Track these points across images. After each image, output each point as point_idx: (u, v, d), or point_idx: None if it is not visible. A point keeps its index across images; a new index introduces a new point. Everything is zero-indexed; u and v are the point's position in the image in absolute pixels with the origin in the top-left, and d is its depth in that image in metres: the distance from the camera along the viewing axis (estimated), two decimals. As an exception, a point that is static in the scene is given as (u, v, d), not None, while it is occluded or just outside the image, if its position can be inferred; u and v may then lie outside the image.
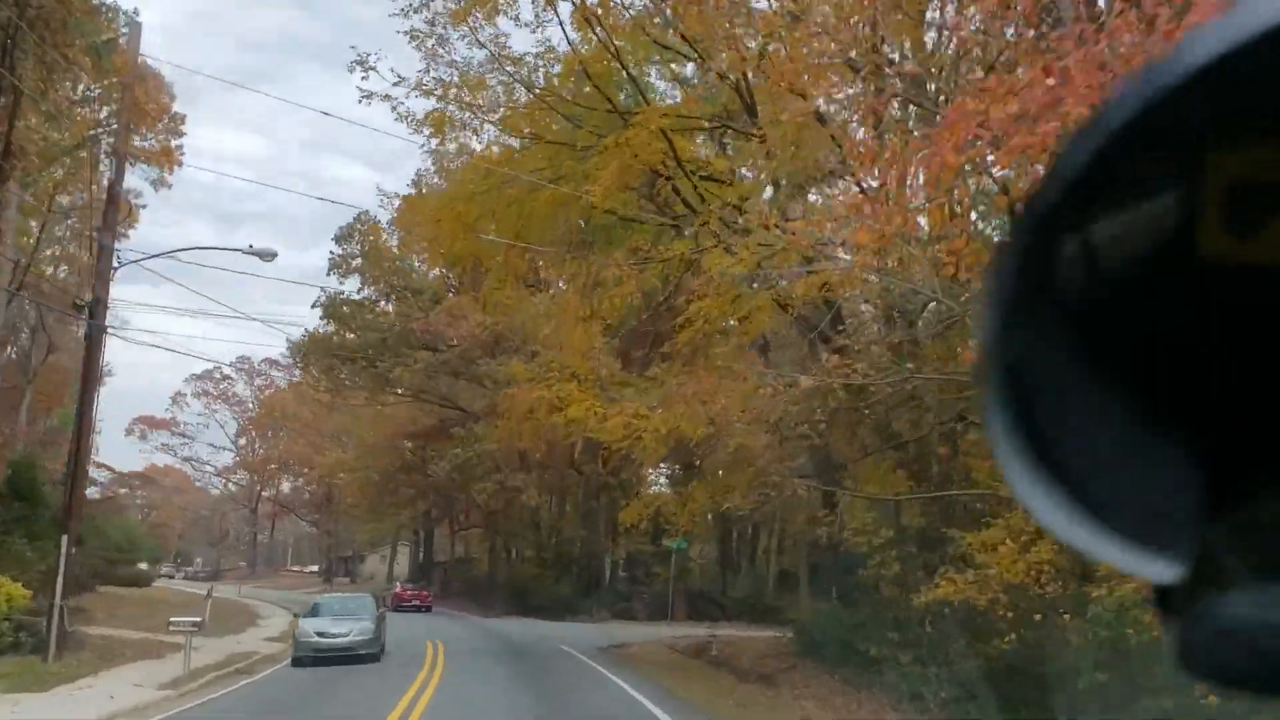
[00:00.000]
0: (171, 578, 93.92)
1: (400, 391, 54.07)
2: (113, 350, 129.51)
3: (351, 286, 48.10)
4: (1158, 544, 0.59)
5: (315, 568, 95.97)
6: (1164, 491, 0.58)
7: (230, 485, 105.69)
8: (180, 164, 49.37)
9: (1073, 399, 0.58)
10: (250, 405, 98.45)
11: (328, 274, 47.02)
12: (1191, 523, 0.56)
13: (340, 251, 47.11)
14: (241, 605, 48.18)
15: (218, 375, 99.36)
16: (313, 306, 47.01)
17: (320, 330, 48.28)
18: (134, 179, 40.84)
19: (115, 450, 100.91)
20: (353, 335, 49.45)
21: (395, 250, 47.82)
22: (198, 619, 21.99)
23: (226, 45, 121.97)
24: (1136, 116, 0.51)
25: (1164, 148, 0.52)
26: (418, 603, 49.63)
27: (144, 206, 52.18)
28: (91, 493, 46.30)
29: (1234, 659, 0.52)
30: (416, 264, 48.33)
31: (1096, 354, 0.56)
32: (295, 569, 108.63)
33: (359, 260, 47.14)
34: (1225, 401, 0.54)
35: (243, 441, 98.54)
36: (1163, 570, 0.58)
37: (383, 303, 49.30)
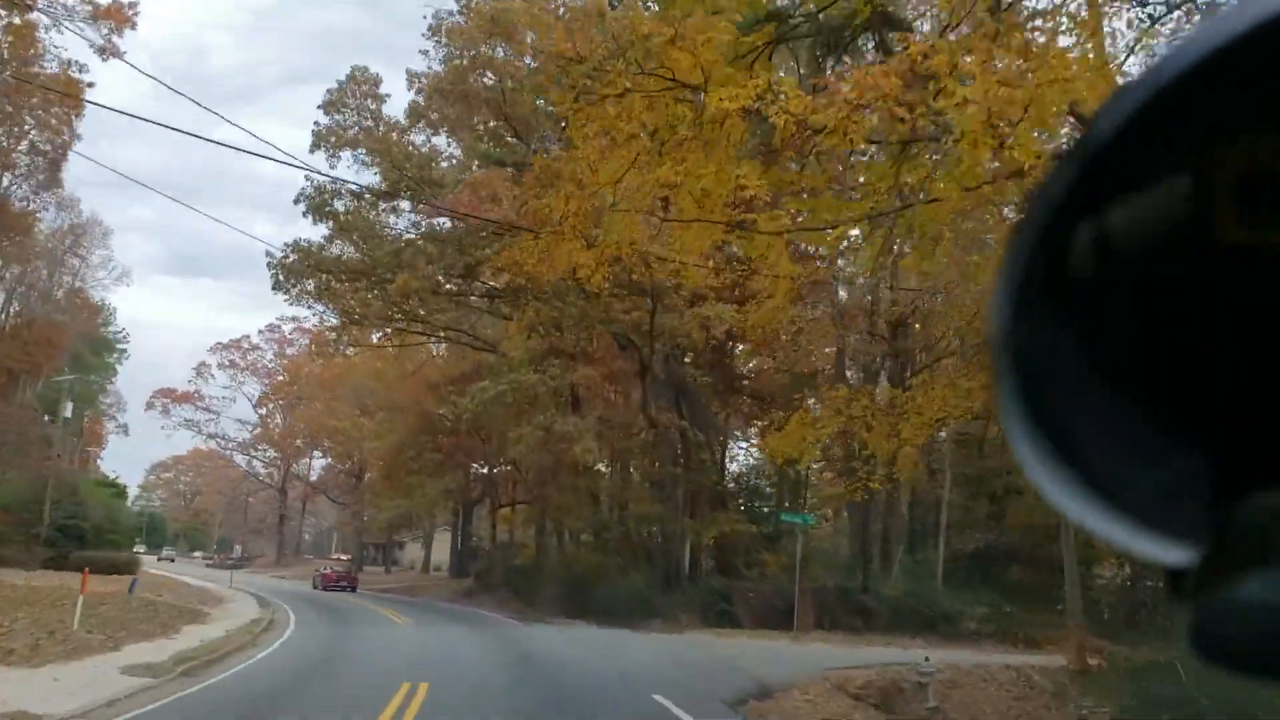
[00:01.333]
0: (173, 560, 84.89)
1: (421, 330, 41.87)
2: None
3: (346, 173, 35.78)
4: (1171, 528, 0.59)
5: (347, 556, 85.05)
6: (1177, 476, 0.57)
7: (255, 462, 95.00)
8: (133, 24, 37.68)
9: (1085, 384, 0.58)
10: (281, 375, 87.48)
11: (311, 151, 34.73)
12: (1204, 507, 0.56)
13: (329, 122, 34.72)
14: (214, 598, 36.22)
15: (245, 345, 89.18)
16: (296, 201, 34.67)
17: (306, 244, 36.08)
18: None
19: (141, 429, 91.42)
20: (353, 247, 37.30)
21: (404, 123, 35.42)
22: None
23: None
24: (1150, 102, 0.52)
25: (1178, 134, 0.53)
26: (345, 585, 48.36)
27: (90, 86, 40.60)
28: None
29: (1246, 642, 0.53)
30: (436, 144, 35.98)
31: (1108, 340, 0.56)
32: (337, 556, 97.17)
33: (355, 130, 34.70)
34: (1239, 387, 0.54)
35: (264, 412, 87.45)
36: (1175, 554, 0.58)
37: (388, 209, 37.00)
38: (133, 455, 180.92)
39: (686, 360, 37.39)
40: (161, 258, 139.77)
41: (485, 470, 47.44)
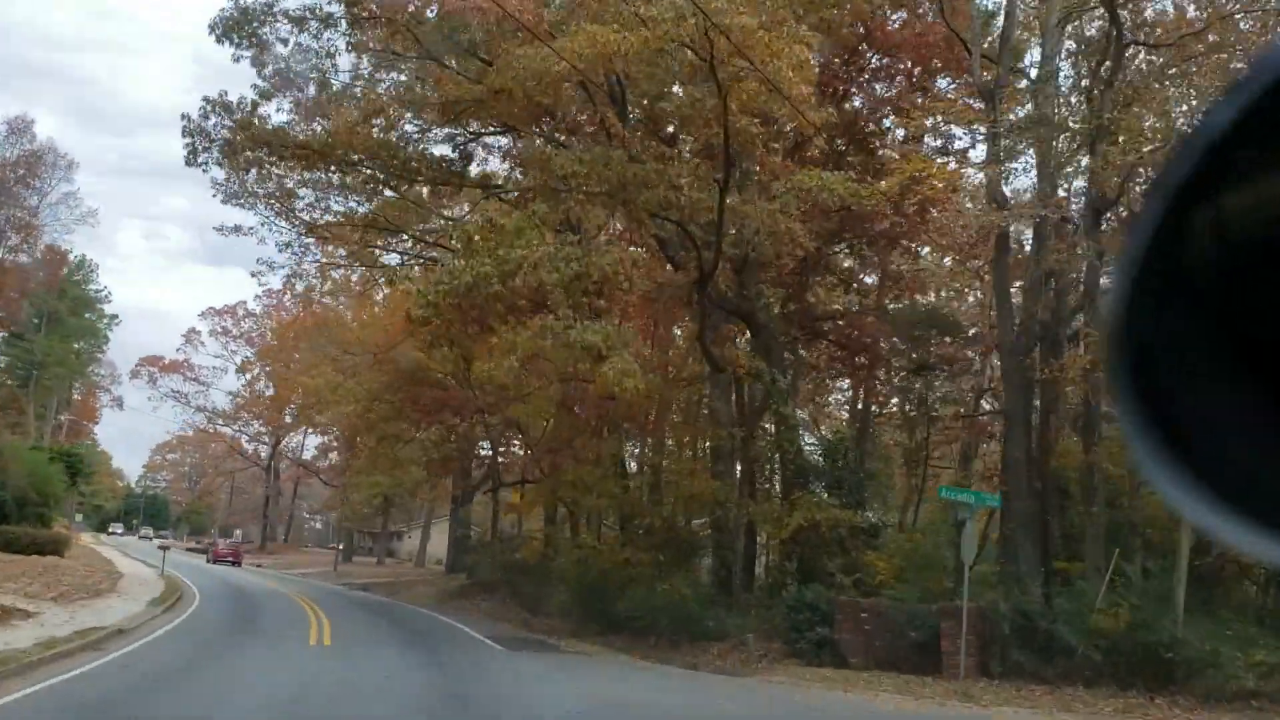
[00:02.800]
0: (150, 540, 76.11)
1: (398, 245, 31.35)
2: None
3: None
4: None
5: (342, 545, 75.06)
6: None
7: (243, 437, 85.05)
8: None
9: (1203, 380, 0.56)
10: (272, 339, 77.37)
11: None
12: None
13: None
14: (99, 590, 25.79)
15: (241, 312, 79.34)
16: (210, 31, 24.11)
17: (236, 102, 25.67)
18: None
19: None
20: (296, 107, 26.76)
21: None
22: None
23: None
24: (1265, 95, 0.50)
25: None
26: (231, 559, 55.78)
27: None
28: None
29: None
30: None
31: (1228, 334, 0.55)
32: (335, 545, 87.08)
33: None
34: None
35: (248, 377, 77.30)
36: None
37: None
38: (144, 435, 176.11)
39: (763, 281, 26.61)
40: (198, 249, 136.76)
41: (478, 432, 36.64)
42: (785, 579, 25.77)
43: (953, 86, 25.97)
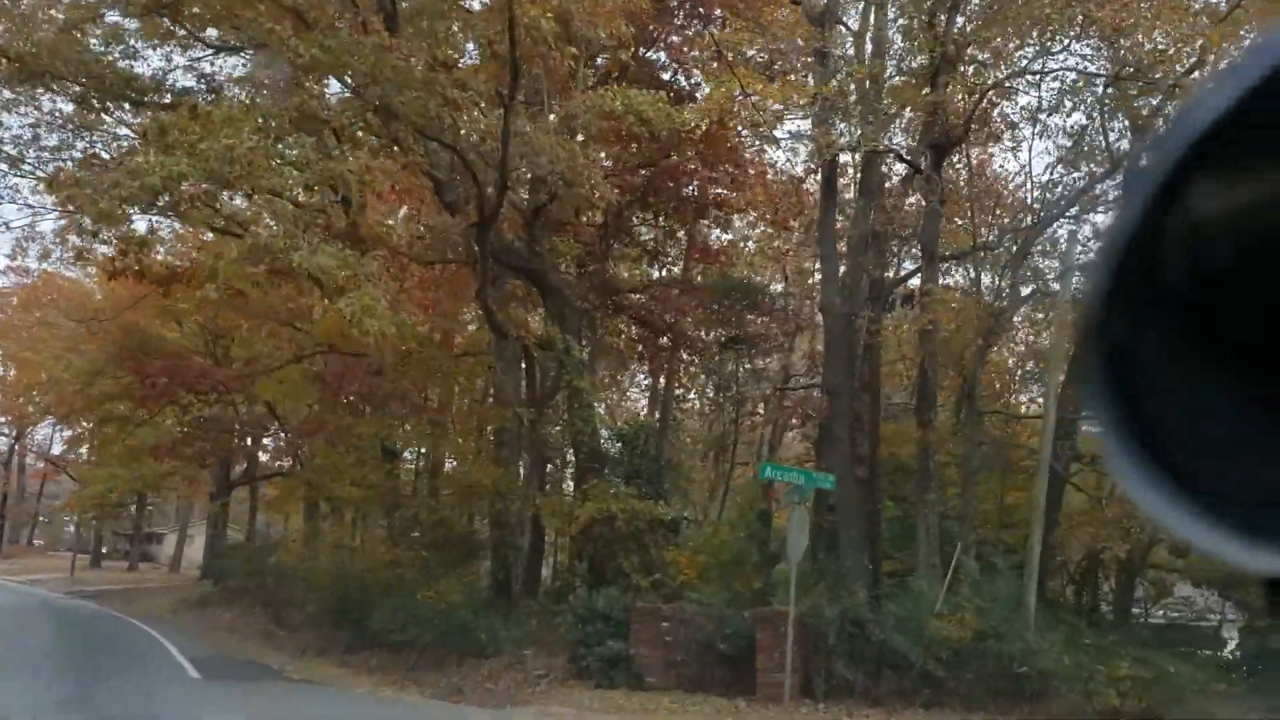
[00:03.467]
0: None
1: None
2: None
3: None
4: (1269, 535, 0.55)
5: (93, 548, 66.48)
6: (1277, 481, 0.55)
7: (-27, 429, 74.41)
8: None
9: (1180, 385, 0.55)
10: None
11: None
12: None
13: None
14: None
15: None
16: None
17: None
18: None
19: None
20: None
21: None
22: None
23: None
24: (1256, 89, 0.48)
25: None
26: None
27: None
28: None
29: None
30: None
31: (1205, 337, 0.53)
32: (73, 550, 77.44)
33: None
34: None
35: (-24, 361, 67.34)
36: (1274, 561, 0.55)
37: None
38: None
39: (560, 235, 23.01)
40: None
41: (230, 414, 31.41)
42: (575, 582, 22.18)
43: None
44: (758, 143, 24.20)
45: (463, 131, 17.65)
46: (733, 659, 15.46)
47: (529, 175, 20.91)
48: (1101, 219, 20.64)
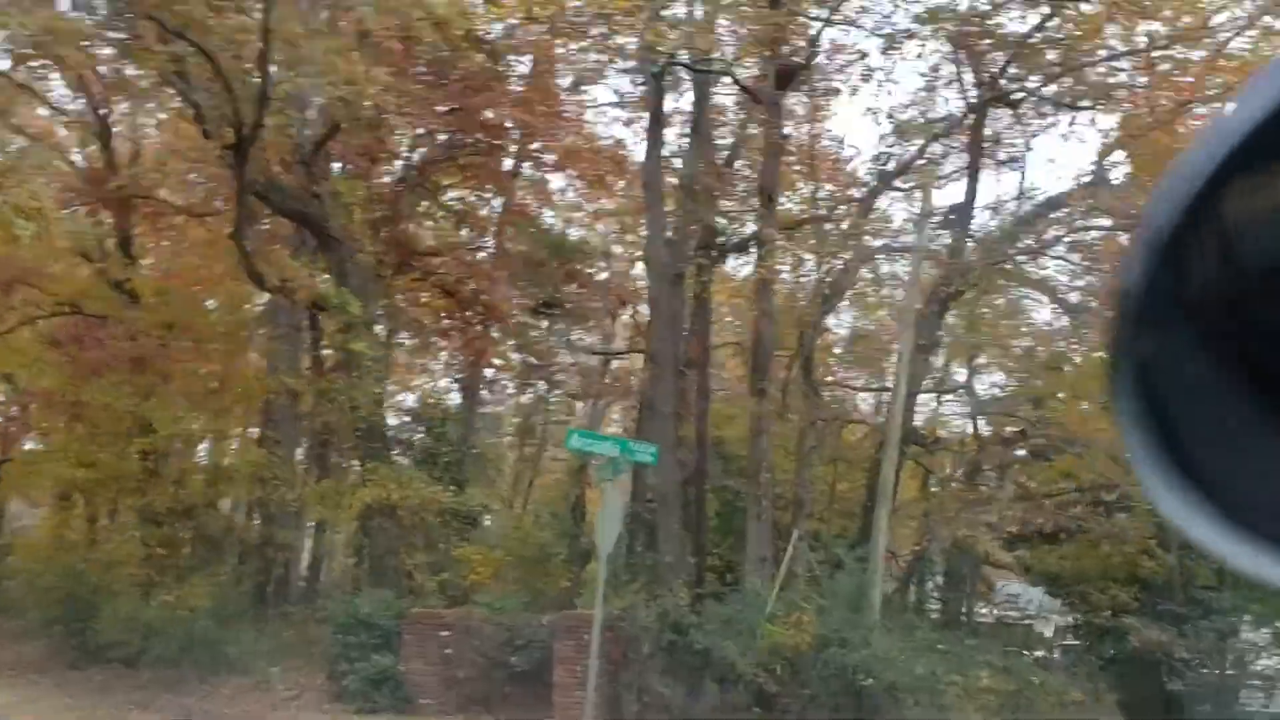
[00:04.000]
0: None
1: None
2: None
3: None
4: None
5: None
6: None
7: None
8: None
9: (1209, 400, 0.55)
10: None
11: None
12: None
13: None
14: None
15: None
16: None
17: None
18: None
19: None
20: None
21: None
22: None
23: None
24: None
25: None
26: None
27: None
28: None
29: None
30: None
31: (1238, 349, 0.53)
32: None
33: None
34: None
35: None
36: None
37: None
38: None
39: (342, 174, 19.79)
40: None
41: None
42: (351, 583, 18.93)
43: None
44: (581, 91, 21.53)
45: (212, 23, 14.22)
46: (526, 674, 12.68)
47: (308, 102, 17.63)
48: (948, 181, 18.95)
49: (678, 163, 17.04)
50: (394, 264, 23.11)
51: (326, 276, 18.58)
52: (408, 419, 23.93)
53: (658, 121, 15.18)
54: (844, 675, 11.59)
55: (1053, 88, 17.62)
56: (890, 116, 15.99)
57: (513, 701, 12.75)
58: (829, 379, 17.53)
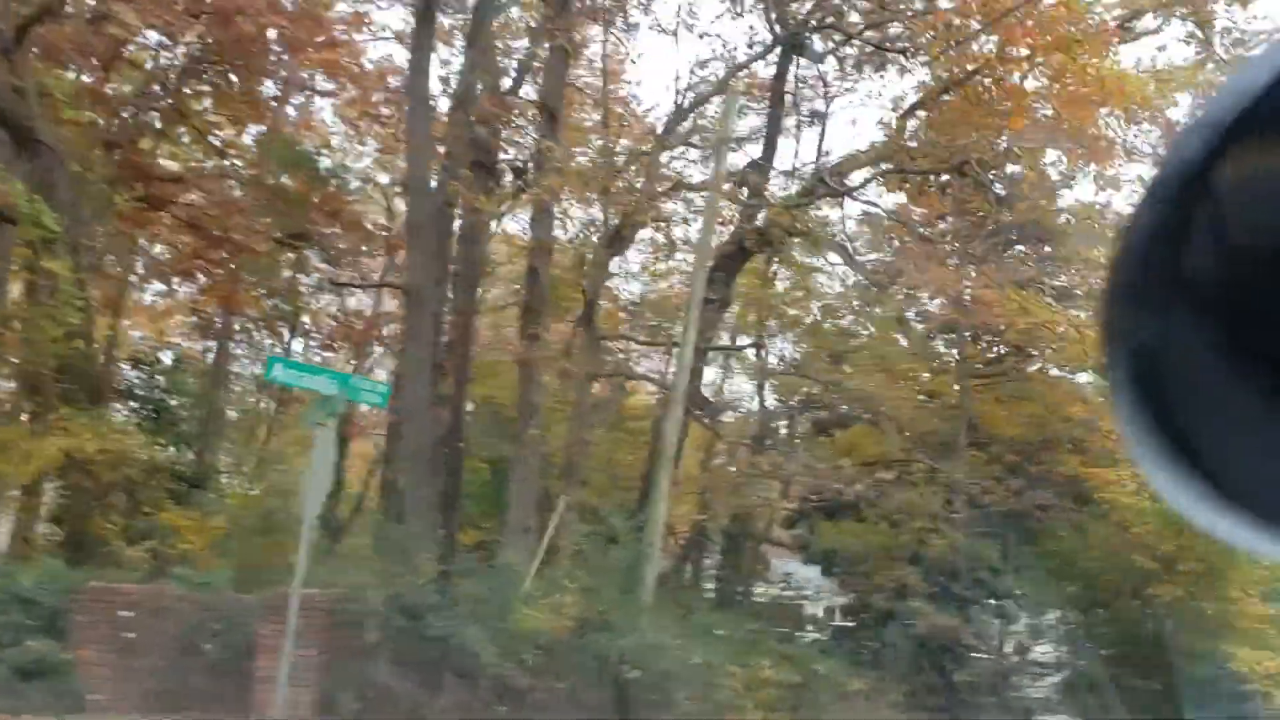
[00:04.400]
0: None
1: None
2: None
3: None
4: None
5: None
6: None
7: None
8: None
9: (1207, 382, 0.55)
10: None
11: None
12: None
13: None
14: None
15: None
16: None
17: None
18: None
19: None
20: None
21: None
22: None
23: None
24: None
25: None
26: None
27: None
28: None
29: None
30: None
31: (1233, 331, 0.53)
32: None
33: None
34: None
35: None
36: None
37: None
38: None
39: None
40: None
41: None
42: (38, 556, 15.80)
43: None
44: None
45: None
46: (225, 664, 10.35)
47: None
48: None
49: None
50: (129, 189, 19.87)
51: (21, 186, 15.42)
52: (134, 368, 20.70)
53: (426, 20, 12.95)
54: (608, 665, 9.89)
55: (854, 46, 16.63)
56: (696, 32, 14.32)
57: (206, 696, 10.40)
58: (615, 337, 15.83)
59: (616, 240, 13.49)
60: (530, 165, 13.01)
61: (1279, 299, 0.49)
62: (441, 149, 13.70)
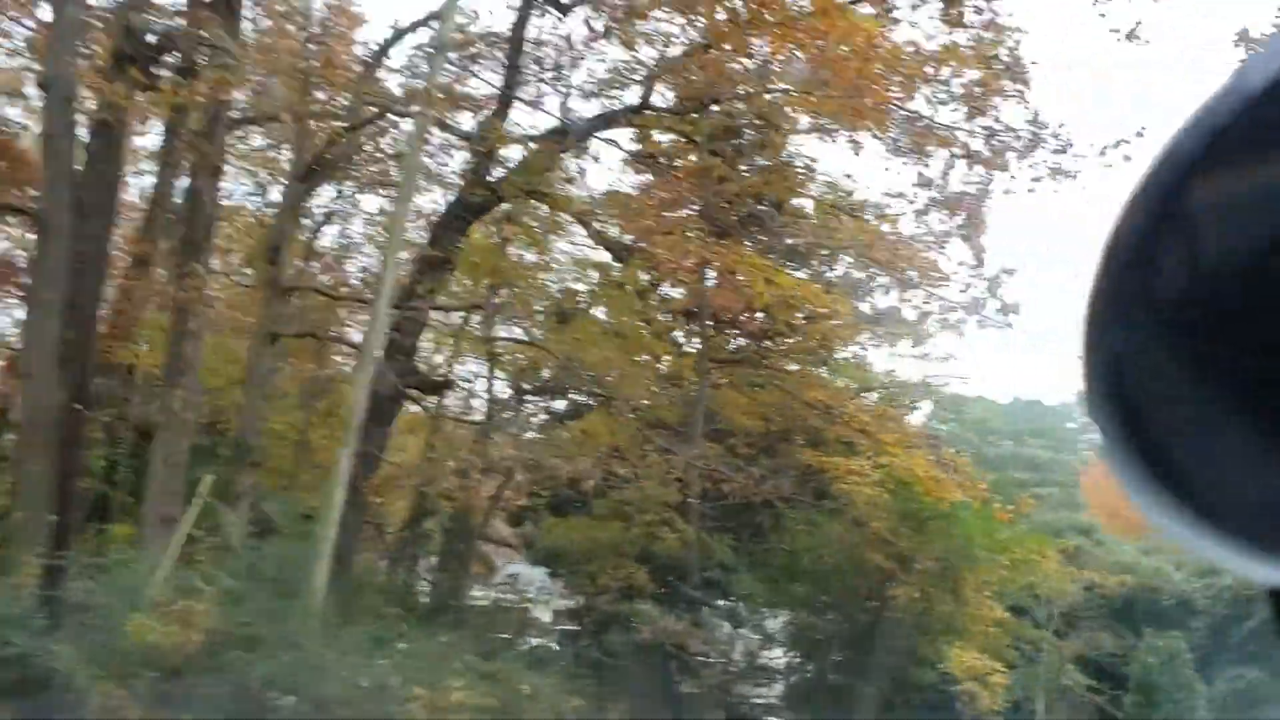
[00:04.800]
0: None
1: None
2: None
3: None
4: (1272, 545, 0.56)
5: None
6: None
7: None
8: None
9: (1180, 396, 0.56)
10: None
11: None
12: None
13: None
14: None
15: None
16: None
17: None
18: None
19: None
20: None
21: None
22: None
23: None
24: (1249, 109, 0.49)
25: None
26: None
27: None
28: None
29: None
30: None
31: (1210, 343, 0.54)
32: None
33: None
34: None
35: None
36: (1276, 572, 0.56)
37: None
38: None
39: None
40: None
41: None
42: None
43: None
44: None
45: None
46: None
47: None
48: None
49: None
50: None
51: None
52: None
53: None
54: (249, 691, 7.60)
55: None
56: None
57: None
58: (305, 289, 13.30)
59: (310, 174, 11.13)
60: (197, 55, 10.42)
61: (1250, 319, 0.48)
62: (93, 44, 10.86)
